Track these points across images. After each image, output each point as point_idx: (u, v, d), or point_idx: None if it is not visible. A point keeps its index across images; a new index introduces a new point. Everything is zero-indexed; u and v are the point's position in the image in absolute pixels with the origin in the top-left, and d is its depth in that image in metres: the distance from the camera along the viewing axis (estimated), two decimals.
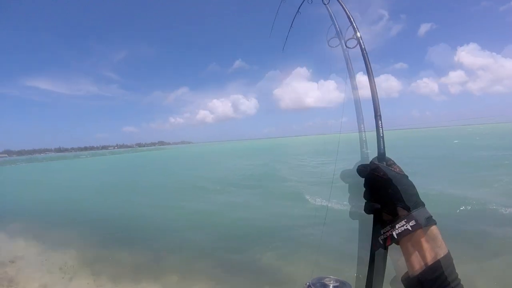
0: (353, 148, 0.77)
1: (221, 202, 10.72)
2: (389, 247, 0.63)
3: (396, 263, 0.66)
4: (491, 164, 13.59)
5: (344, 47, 0.82)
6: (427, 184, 9.07)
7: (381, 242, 0.63)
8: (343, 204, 0.75)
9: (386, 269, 0.66)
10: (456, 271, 0.58)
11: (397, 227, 0.59)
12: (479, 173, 11.68)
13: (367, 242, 0.66)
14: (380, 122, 0.69)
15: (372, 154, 0.71)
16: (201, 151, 79.03)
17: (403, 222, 0.59)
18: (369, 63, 0.74)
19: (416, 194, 0.61)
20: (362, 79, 0.76)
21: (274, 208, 9.21)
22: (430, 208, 0.62)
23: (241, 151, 51.23)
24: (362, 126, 0.74)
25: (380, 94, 0.71)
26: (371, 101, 0.71)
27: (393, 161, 0.67)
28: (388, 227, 0.61)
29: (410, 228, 0.58)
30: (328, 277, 0.79)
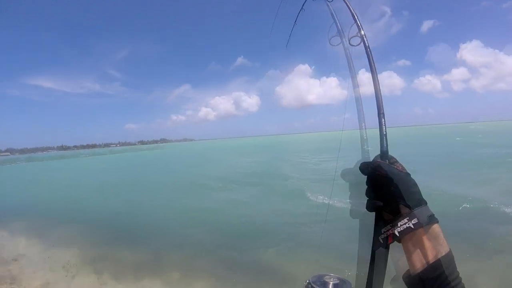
0: (355, 146, 0.77)
1: (222, 199, 10.76)
2: (390, 245, 0.63)
3: (396, 261, 0.66)
4: (493, 162, 13.54)
5: (346, 45, 0.81)
6: (429, 182, 9.03)
7: (382, 241, 0.63)
8: (345, 201, 0.75)
9: (386, 268, 0.66)
10: (458, 270, 0.58)
11: (399, 225, 0.59)
12: (481, 171, 11.65)
13: (367, 240, 0.66)
14: (383, 120, 0.69)
15: (373, 151, 0.71)
16: (202, 148, 79.14)
17: (405, 220, 0.59)
18: (373, 61, 0.74)
19: (418, 192, 0.61)
20: (363, 76, 0.76)
21: (275, 205, 9.22)
22: (432, 206, 0.61)
23: (242, 149, 51.20)
24: (363, 123, 0.74)
25: (383, 91, 0.71)
26: (374, 98, 0.71)
27: (395, 159, 0.67)
28: (389, 226, 0.61)
29: (412, 226, 0.58)
30: (328, 275, 0.79)
